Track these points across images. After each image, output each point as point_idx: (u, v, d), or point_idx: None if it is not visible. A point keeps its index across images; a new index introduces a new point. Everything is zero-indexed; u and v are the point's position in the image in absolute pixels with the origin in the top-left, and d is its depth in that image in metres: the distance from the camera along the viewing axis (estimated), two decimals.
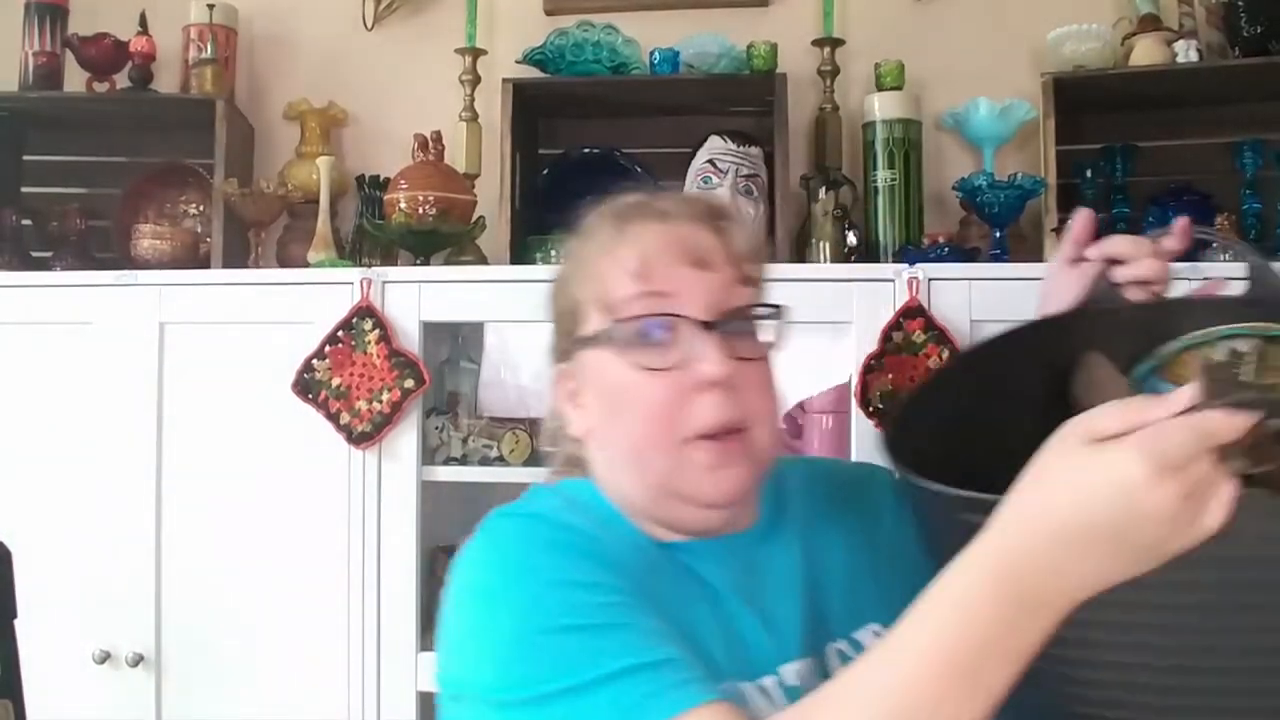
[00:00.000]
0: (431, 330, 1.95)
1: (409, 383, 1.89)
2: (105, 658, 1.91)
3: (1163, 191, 2.08)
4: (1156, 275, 0.93)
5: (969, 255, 1.99)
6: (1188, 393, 0.59)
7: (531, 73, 2.16)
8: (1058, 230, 1.97)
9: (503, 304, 1.89)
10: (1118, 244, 0.93)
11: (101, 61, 2.24)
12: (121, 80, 2.26)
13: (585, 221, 1.00)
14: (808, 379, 1.98)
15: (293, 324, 1.93)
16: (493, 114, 2.17)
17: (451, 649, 0.87)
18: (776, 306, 0.95)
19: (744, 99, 2.19)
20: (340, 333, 1.91)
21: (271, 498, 1.92)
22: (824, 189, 2.08)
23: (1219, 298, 0.92)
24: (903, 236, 2.07)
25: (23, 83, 2.20)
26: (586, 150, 2.26)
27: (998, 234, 2.01)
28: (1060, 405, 0.82)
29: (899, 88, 2.13)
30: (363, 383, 1.90)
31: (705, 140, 2.10)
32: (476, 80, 2.24)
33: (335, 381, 1.90)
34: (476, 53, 2.24)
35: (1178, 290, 0.95)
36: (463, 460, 1.97)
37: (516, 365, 2.19)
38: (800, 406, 1.97)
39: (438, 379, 2.06)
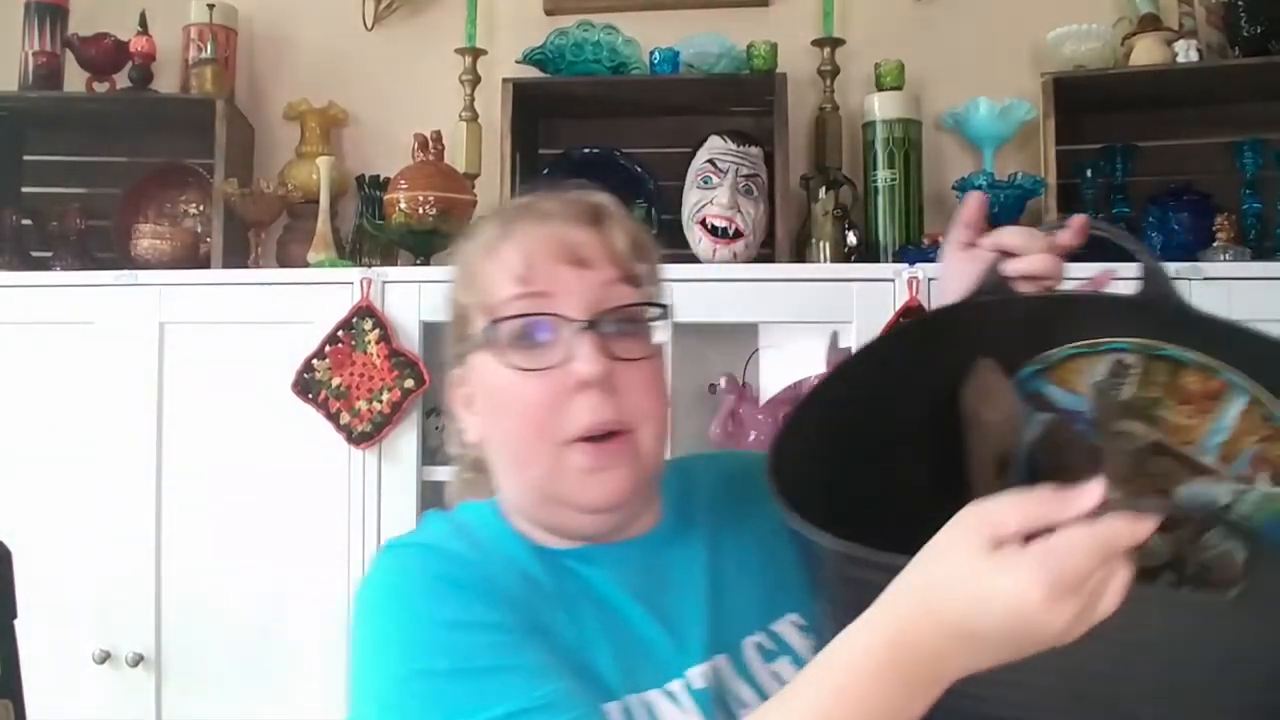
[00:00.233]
0: (431, 330, 1.95)
1: (409, 383, 1.89)
2: (105, 658, 1.91)
3: (1163, 191, 2.08)
4: (1047, 270, 0.89)
5: None
6: (1093, 494, 0.56)
7: (531, 73, 2.16)
8: None
9: None
10: (1009, 236, 0.90)
11: (101, 61, 2.24)
12: (121, 80, 2.26)
13: (472, 225, 0.99)
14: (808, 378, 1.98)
15: (293, 324, 1.93)
16: (493, 114, 2.17)
17: (350, 687, 0.87)
18: (662, 306, 0.95)
19: (744, 99, 2.19)
20: (340, 333, 1.91)
21: (271, 498, 1.92)
22: (824, 189, 2.08)
23: (1108, 296, 0.90)
24: (903, 236, 2.07)
25: (23, 83, 2.20)
26: (586, 150, 2.26)
27: None
28: (953, 407, 0.81)
29: (899, 88, 2.13)
30: (363, 383, 1.90)
31: (705, 140, 2.10)
32: (476, 80, 2.24)
33: (335, 381, 1.90)
34: (476, 53, 2.24)
35: (1069, 285, 0.92)
36: None
37: None
38: None
39: (438, 379, 2.06)
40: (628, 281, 0.92)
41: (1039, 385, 0.85)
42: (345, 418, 1.89)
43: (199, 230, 2.25)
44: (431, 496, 1.93)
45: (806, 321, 2.00)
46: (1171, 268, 1.83)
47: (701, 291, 1.91)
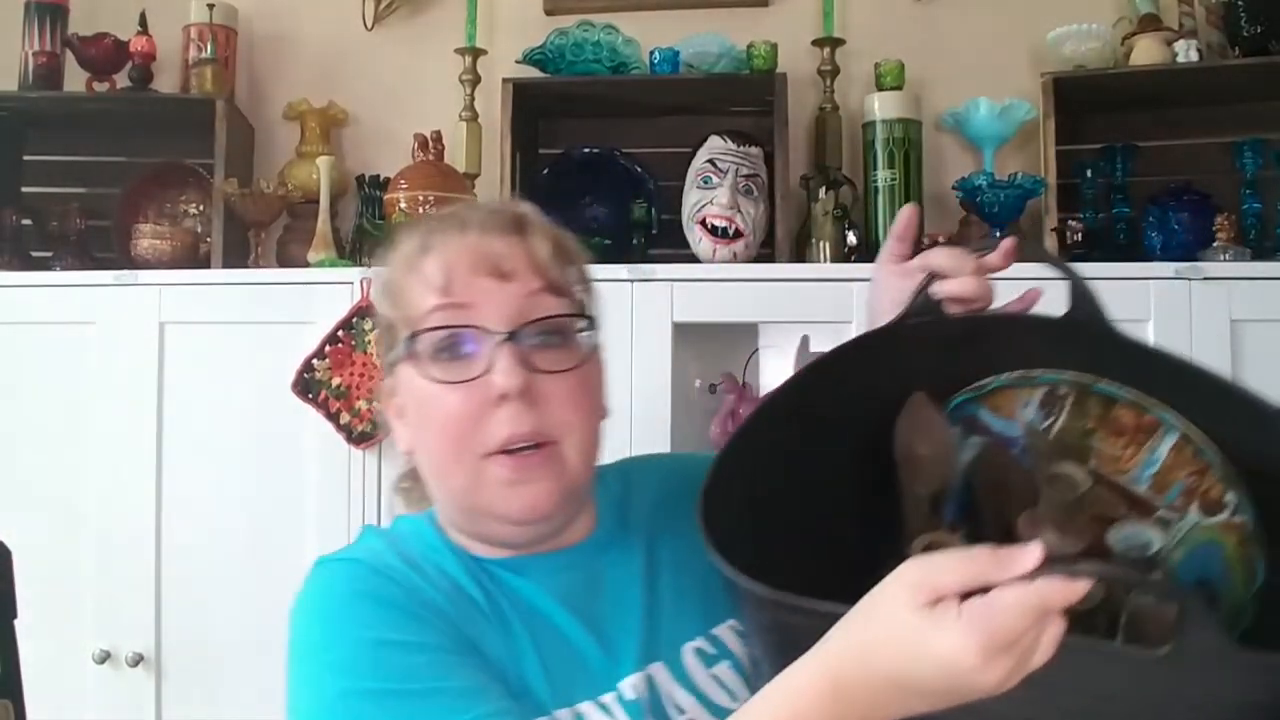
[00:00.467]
0: None
1: None
2: (105, 658, 1.91)
3: (1163, 191, 2.08)
4: (975, 293, 0.88)
5: None
6: (1030, 556, 0.58)
7: (531, 73, 2.16)
8: (1058, 230, 1.98)
9: None
10: (939, 257, 0.89)
11: (101, 61, 2.24)
12: (121, 80, 2.26)
13: (396, 238, 0.98)
14: None
15: (293, 324, 1.93)
16: (493, 114, 2.17)
17: (286, 704, 0.88)
18: (587, 316, 0.94)
19: (744, 99, 2.19)
20: (340, 332, 1.91)
21: (271, 497, 1.92)
22: (824, 189, 2.08)
23: (1037, 318, 0.90)
24: None
25: (23, 83, 2.20)
26: (586, 150, 2.26)
27: (998, 234, 2.01)
28: (884, 440, 0.81)
29: (899, 88, 2.13)
30: (363, 382, 1.90)
31: (705, 140, 2.10)
32: (476, 80, 2.24)
33: (335, 381, 1.90)
34: (476, 53, 2.24)
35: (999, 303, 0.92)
36: None
37: None
38: None
39: None
40: (552, 292, 0.92)
41: (973, 410, 0.85)
42: (345, 418, 1.89)
43: (199, 230, 2.25)
44: None
45: (806, 321, 2.00)
46: (1171, 267, 1.84)
47: (701, 291, 1.92)
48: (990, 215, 2.01)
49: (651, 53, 2.11)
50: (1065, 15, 2.09)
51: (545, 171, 2.28)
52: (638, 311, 1.89)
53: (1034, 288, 0.93)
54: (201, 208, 2.28)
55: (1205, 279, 1.81)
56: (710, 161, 2.07)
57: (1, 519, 1.55)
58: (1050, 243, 1.98)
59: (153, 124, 2.31)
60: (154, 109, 2.26)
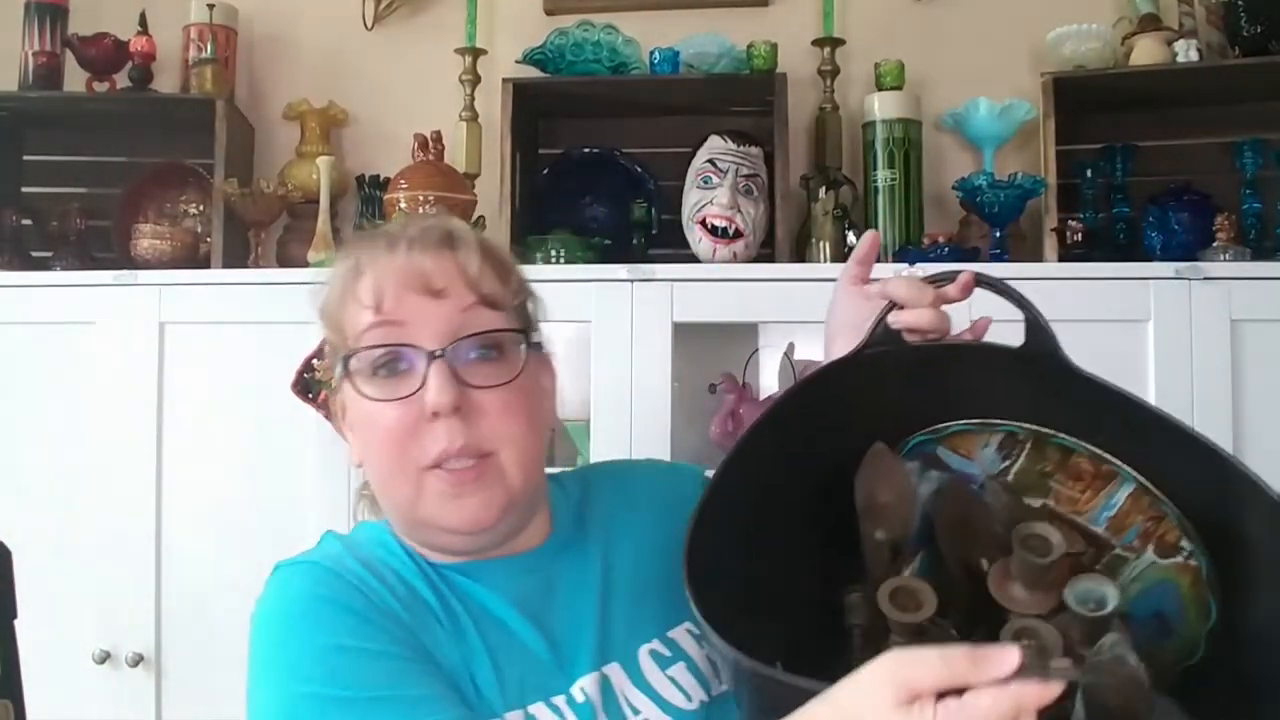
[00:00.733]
0: None
1: None
2: (105, 658, 1.91)
3: (1163, 191, 2.08)
4: (932, 325, 0.89)
5: (969, 255, 1.99)
6: (1008, 661, 0.58)
7: (531, 73, 2.16)
8: (1058, 230, 1.98)
9: None
10: (898, 287, 0.90)
11: (101, 61, 2.24)
12: (121, 80, 2.26)
13: (339, 253, 1.00)
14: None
15: (293, 324, 1.93)
16: (493, 114, 2.17)
17: (246, 706, 0.89)
18: (521, 330, 0.95)
19: (744, 99, 2.19)
20: None
21: (271, 497, 1.92)
22: (824, 189, 2.08)
23: (993, 348, 0.91)
24: (903, 236, 2.07)
25: (23, 83, 2.20)
26: (586, 150, 2.27)
27: (998, 234, 2.01)
28: (845, 481, 0.82)
29: (899, 88, 2.13)
30: None
31: (705, 140, 2.10)
32: (476, 80, 2.24)
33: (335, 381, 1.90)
34: (476, 53, 2.24)
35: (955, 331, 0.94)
36: None
37: None
38: None
39: None
40: (485, 306, 0.92)
41: (931, 449, 0.87)
42: None
43: (199, 230, 2.25)
44: None
45: (806, 321, 1.99)
46: (1171, 267, 1.84)
47: (701, 291, 1.92)
48: (990, 215, 2.01)
49: (651, 53, 2.11)
50: (1065, 15, 2.09)
51: (545, 171, 2.28)
52: (638, 311, 1.89)
53: (984, 316, 0.94)
54: (201, 208, 2.28)
55: (1205, 279, 1.81)
56: (710, 161, 2.07)
57: (1, 519, 1.56)
58: (1050, 243, 1.98)
59: (153, 124, 2.31)
60: (154, 109, 2.26)
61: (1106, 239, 2.07)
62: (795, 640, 0.79)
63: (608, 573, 0.99)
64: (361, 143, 2.37)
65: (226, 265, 2.10)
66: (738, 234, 2.01)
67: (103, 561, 1.93)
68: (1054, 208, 1.99)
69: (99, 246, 2.25)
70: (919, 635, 0.74)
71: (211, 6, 2.25)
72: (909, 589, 0.74)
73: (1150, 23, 2.03)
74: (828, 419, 0.85)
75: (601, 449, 1.87)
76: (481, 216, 2.10)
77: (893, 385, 0.88)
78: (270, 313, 1.95)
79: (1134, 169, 2.11)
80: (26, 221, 2.25)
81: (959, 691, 0.59)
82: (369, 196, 2.21)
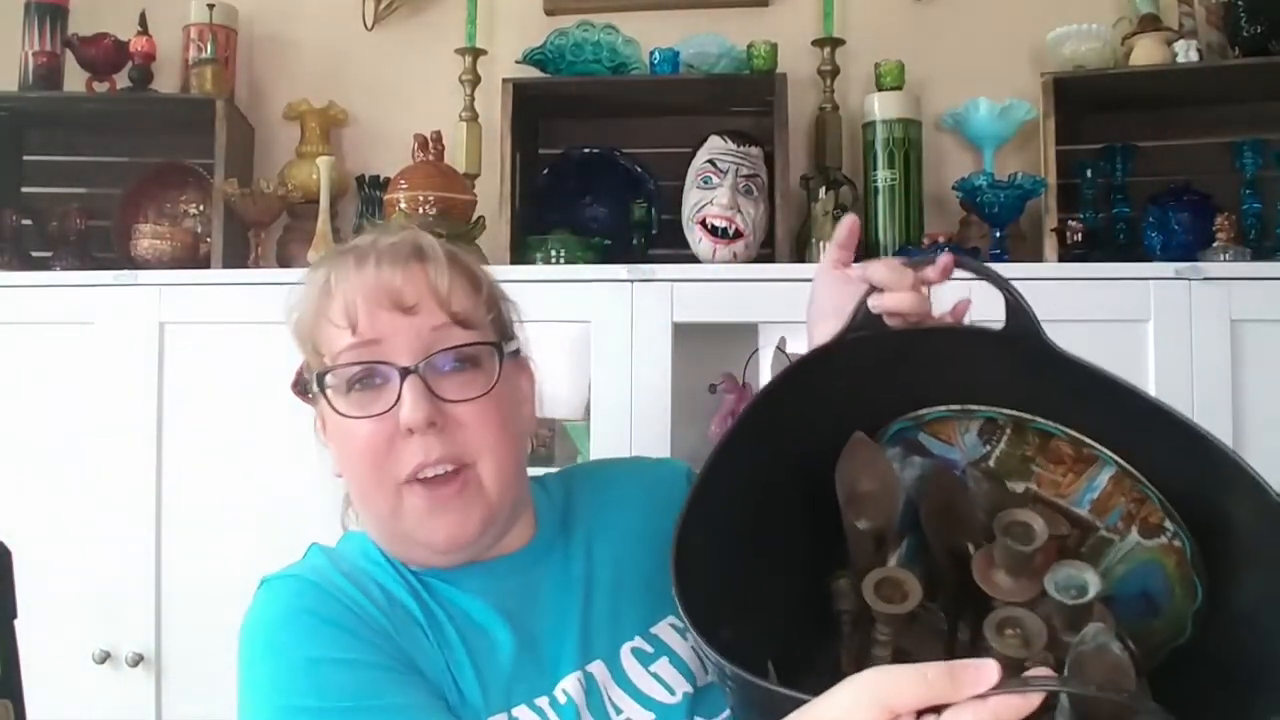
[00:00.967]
0: None
1: None
2: (105, 658, 1.91)
3: (1163, 191, 2.08)
4: (913, 308, 0.89)
5: (969, 255, 1.99)
6: (988, 676, 0.58)
7: (531, 73, 2.16)
8: (1058, 230, 1.98)
9: None
10: (878, 271, 0.90)
11: (101, 61, 2.24)
12: (121, 80, 2.26)
13: (310, 268, 1.00)
14: None
15: None
16: (493, 114, 2.17)
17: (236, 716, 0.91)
18: (494, 344, 0.94)
19: (744, 99, 2.19)
20: None
21: (271, 497, 1.92)
22: (824, 189, 2.08)
23: (972, 329, 0.91)
24: (903, 236, 2.07)
25: (23, 83, 2.20)
26: (586, 150, 2.27)
27: (998, 234, 2.01)
28: (822, 466, 0.81)
29: (899, 88, 2.13)
30: None
31: (705, 140, 2.10)
32: (476, 80, 2.24)
33: None
34: (476, 53, 2.24)
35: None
36: None
37: None
38: None
39: None
40: (457, 323, 0.93)
41: (912, 434, 0.86)
42: None
43: (199, 230, 2.25)
44: None
45: (806, 321, 1.99)
46: (1171, 267, 1.84)
47: (701, 291, 1.91)
48: (990, 215, 2.01)
49: (651, 53, 2.11)
50: (1065, 15, 2.09)
51: (545, 171, 2.28)
52: (638, 311, 1.89)
53: (964, 298, 0.94)
54: (201, 208, 2.28)
55: (1205, 279, 1.81)
56: (710, 161, 2.07)
57: (2, 519, 1.56)
58: (1050, 243, 1.98)
59: (153, 124, 2.31)
60: (154, 109, 2.26)
61: (1106, 239, 2.07)
62: (785, 627, 0.79)
63: (589, 572, 0.99)
64: (361, 143, 2.37)
65: (226, 265, 2.10)
66: (738, 234, 2.01)
67: (103, 561, 1.93)
68: (1054, 208, 1.99)
69: (99, 246, 2.25)
70: (908, 623, 0.74)
71: (211, 6, 2.25)
72: (894, 579, 0.74)
73: (1150, 23, 2.03)
74: (811, 407, 0.84)
75: (601, 449, 1.87)
76: (481, 216, 2.10)
77: (874, 371, 0.87)
78: (270, 313, 1.92)
79: (1134, 169, 2.11)
80: (26, 221, 2.25)
81: (939, 708, 0.58)
82: (369, 196, 2.21)
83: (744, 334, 2.13)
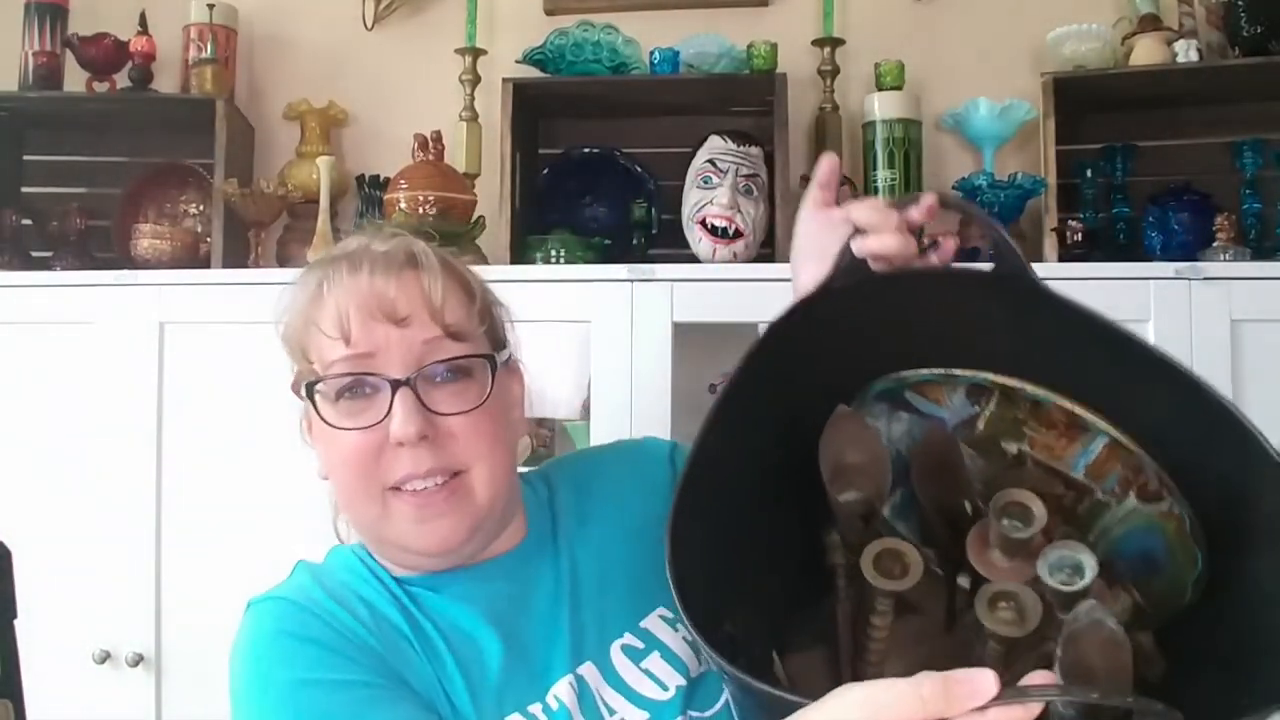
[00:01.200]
0: None
1: None
2: (105, 658, 1.91)
3: (1163, 191, 2.08)
4: (898, 250, 0.85)
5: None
6: (985, 689, 0.54)
7: (531, 73, 2.16)
8: (1058, 230, 1.98)
9: None
10: (861, 212, 0.86)
11: (101, 61, 2.24)
12: (121, 80, 2.26)
13: (300, 273, 0.99)
14: None
15: None
16: (493, 114, 2.17)
17: None
18: (487, 356, 0.93)
19: (744, 99, 2.19)
20: None
21: (271, 497, 1.92)
22: None
23: (959, 271, 0.88)
24: None
25: (23, 83, 2.20)
26: (586, 150, 2.26)
27: None
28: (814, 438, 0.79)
29: (899, 88, 2.13)
30: None
31: (705, 140, 2.10)
32: (476, 80, 2.24)
33: None
34: (476, 53, 2.24)
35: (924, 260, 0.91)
36: None
37: None
38: None
39: None
40: (449, 334, 0.92)
41: (899, 392, 0.84)
42: None
43: (199, 230, 2.25)
44: None
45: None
46: (1171, 267, 1.84)
47: (701, 291, 1.92)
48: (990, 215, 2.01)
49: (651, 53, 2.11)
50: (1065, 15, 2.09)
51: (545, 171, 2.28)
52: (638, 311, 1.89)
53: (950, 237, 0.93)
54: (201, 208, 2.28)
55: (1205, 279, 1.81)
56: (710, 161, 2.07)
57: (1, 519, 1.56)
58: (1050, 243, 1.98)
59: (153, 124, 2.31)
60: (154, 109, 2.26)
61: (1106, 239, 2.07)
62: (784, 590, 0.78)
63: (574, 571, 0.98)
64: (361, 143, 2.37)
65: (226, 265, 2.10)
66: (738, 234, 2.01)
67: (103, 561, 1.93)
68: (1054, 208, 1.99)
69: (99, 246, 2.26)
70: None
71: (211, 6, 2.25)
72: (893, 551, 0.72)
73: (1150, 23, 2.03)
74: (793, 363, 0.82)
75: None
76: (481, 216, 2.10)
77: (858, 322, 0.84)
78: (270, 313, 1.95)
79: (1134, 169, 2.11)
80: (26, 221, 2.25)
81: None
82: (369, 196, 2.21)
83: (744, 334, 2.12)
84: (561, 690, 0.90)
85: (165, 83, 2.29)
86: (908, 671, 0.56)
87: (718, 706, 0.92)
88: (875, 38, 2.23)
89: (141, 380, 1.95)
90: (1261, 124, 2.07)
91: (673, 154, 2.19)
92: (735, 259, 2.02)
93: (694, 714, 0.93)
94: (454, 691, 0.89)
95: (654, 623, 0.96)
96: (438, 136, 2.09)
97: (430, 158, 2.07)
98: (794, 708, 0.60)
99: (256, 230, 2.18)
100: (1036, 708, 0.54)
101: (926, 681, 0.55)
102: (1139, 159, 2.12)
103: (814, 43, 2.20)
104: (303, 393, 0.94)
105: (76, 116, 2.31)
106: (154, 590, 1.93)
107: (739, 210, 2.01)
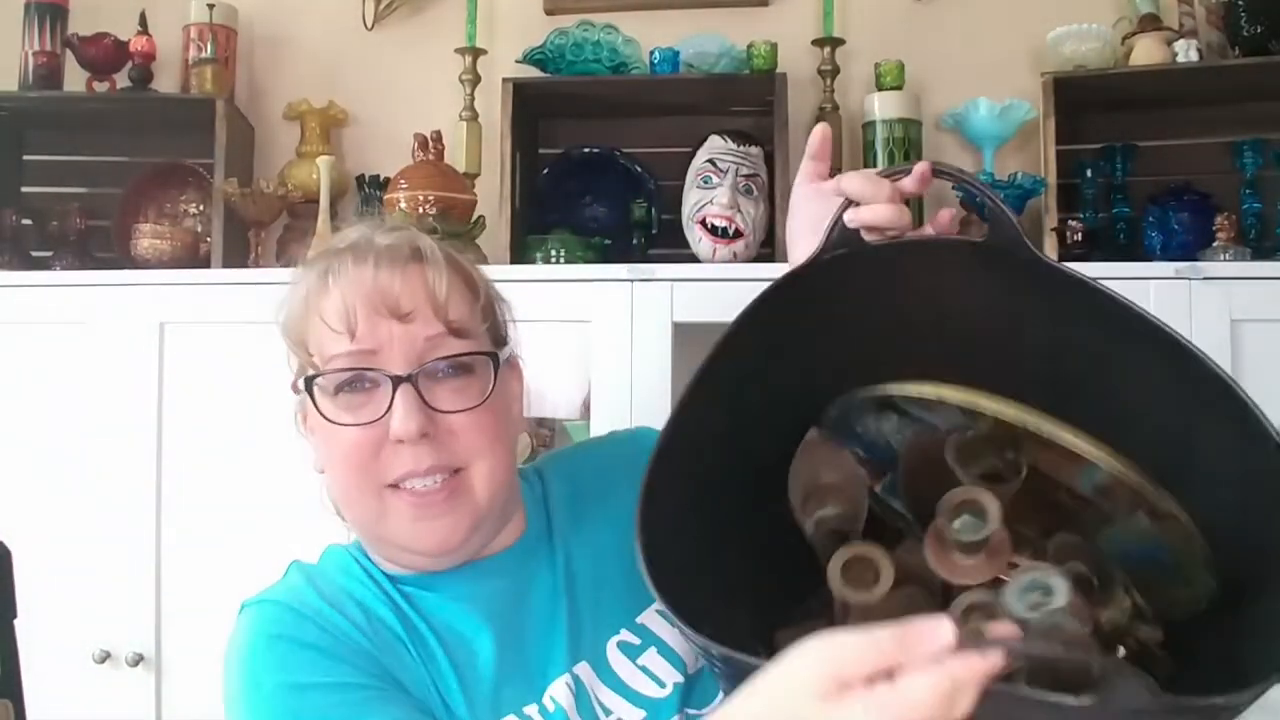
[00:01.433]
0: None
1: None
2: (105, 658, 1.91)
3: (1163, 191, 2.08)
4: (891, 221, 0.84)
5: None
6: (942, 636, 0.53)
7: (531, 72, 2.16)
8: (1058, 230, 1.98)
9: None
10: (853, 183, 0.85)
11: (101, 61, 2.24)
12: (121, 80, 2.26)
13: (302, 265, 0.99)
14: None
15: None
16: (493, 114, 2.17)
17: None
18: (490, 354, 0.93)
19: (744, 99, 2.18)
20: None
21: (271, 497, 1.92)
22: None
23: (954, 241, 0.87)
24: None
25: (23, 83, 2.20)
26: (586, 150, 2.26)
27: None
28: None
29: (899, 88, 2.13)
30: None
31: (705, 140, 2.10)
32: (476, 80, 2.24)
33: None
34: (476, 52, 2.24)
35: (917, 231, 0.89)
36: None
37: None
38: None
39: None
40: (452, 331, 0.91)
41: (889, 400, 0.82)
42: None
43: (199, 230, 2.25)
44: None
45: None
46: (1171, 267, 1.84)
47: (701, 291, 1.91)
48: (988, 215, 2.01)
49: (651, 53, 2.11)
50: (1065, 15, 2.09)
51: (545, 171, 2.28)
52: (638, 311, 1.89)
53: (945, 209, 0.91)
54: (201, 208, 2.28)
55: (1205, 279, 1.81)
56: (710, 161, 2.07)
57: (2, 519, 1.56)
58: (1050, 243, 1.98)
59: (153, 124, 2.31)
60: (154, 109, 2.26)
61: (1106, 239, 2.06)
62: (770, 569, 0.77)
63: (569, 567, 0.97)
64: (361, 143, 2.37)
65: (226, 265, 2.10)
66: (738, 234, 2.01)
67: (103, 561, 1.93)
68: (1054, 208, 1.99)
69: (99, 246, 2.25)
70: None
71: (211, 6, 2.24)
72: (864, 558, 0.69)
73: (1150, 23, 2.03)
74: (782, 333, 0.81)
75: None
76: (481, 216, 2.10)
77: (847, 296, 0.82)
78: (270, 313, 1.95)
79: (1134, 169, 2.11)
80: (26, 221, 2.25)
81: (891, 673, 0.54)
82: (369, 196, 2.21)
83: None
84: (558, 691, 0.90)
85: (165, 83, 2.29)
86: None
87: (716, 704, 0.92)
88: (875, 38, 2.23)
89: (141, 380, 1.95)
90: (1261, 124, 2.06)
91: (673, 154, 2.19)
92: (735, 259, 2.02)
93: (691, 711, 0.92)
94: (448, 693, 0.89)
95: (651, 617, 0.95)
96: (438, 136, 2.09)
97: (430, 158, 2.07)
98: (749, 671, 0.60)
99: (256, 230, 2.18)
100: (997, 658, 0.53)
101: (884, 631, 0.54)
102: (1139, 159, 2.12)
103: (814, 43, 2.20)
104: (301, 386, 0.94)
105: (76, 116, 2.31)
106: (154, 590, 1.92)
107: (739, 210, 2.01)
